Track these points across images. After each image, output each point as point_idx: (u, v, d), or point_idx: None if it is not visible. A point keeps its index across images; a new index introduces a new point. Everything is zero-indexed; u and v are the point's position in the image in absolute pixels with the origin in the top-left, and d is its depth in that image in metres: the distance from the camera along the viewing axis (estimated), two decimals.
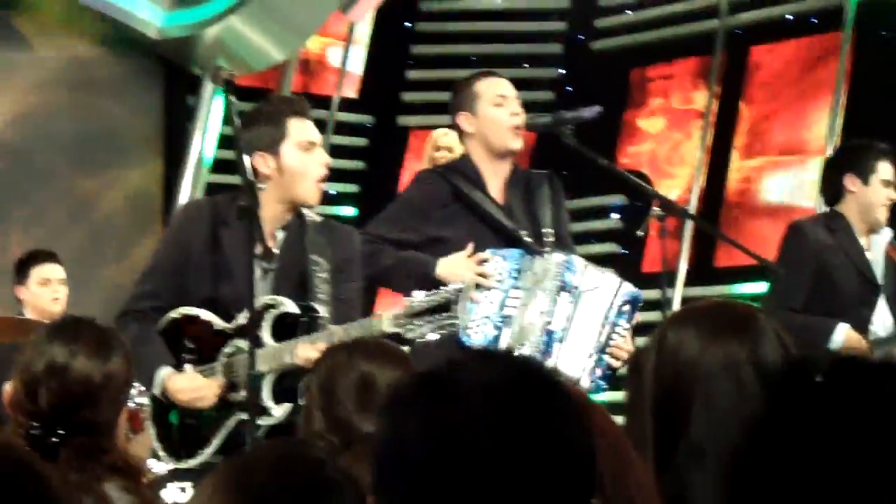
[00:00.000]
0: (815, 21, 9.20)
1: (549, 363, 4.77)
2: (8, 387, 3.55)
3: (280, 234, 4.68)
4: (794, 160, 9.04)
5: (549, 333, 4.86)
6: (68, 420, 3.31)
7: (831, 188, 5.84)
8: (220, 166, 9.48)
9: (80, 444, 3.22)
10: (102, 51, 9.42)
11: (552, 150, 5.30)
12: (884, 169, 5.69)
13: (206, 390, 4.57)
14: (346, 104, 10.48)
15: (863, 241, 5.69)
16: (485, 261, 4.86)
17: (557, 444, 1.69)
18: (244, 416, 4.42)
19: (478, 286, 4.84)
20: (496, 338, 4.84)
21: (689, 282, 8.92)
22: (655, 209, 5.11)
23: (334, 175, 10.00)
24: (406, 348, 4.10)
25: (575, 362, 4.87)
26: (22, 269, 7.09)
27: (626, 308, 4.92)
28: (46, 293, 7.01)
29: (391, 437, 1.72)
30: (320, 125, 10.01)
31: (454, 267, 4.92)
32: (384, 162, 10.39)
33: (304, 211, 4.77)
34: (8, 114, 9.05)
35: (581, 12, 10.26)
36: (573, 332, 4.87)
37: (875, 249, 5.69)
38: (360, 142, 10.54)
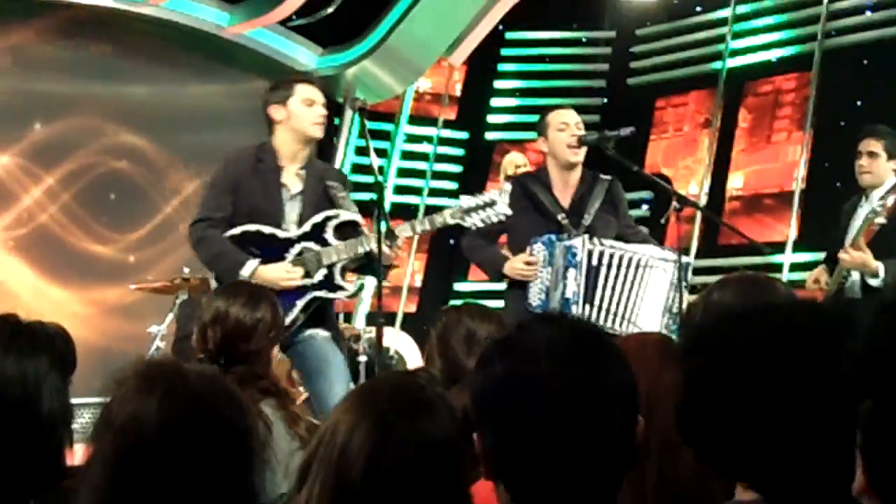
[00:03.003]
0: (789, 62, 9.03)
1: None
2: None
3: (302, 173, 4.82)
4: (775, 169, 8.87)
5: (566, 301, 4.91)
6: (229, 353, 3.35)
7: None
8: (356, 168, 9.60)
9: (239, 372, 3.22)
10: (264, 83, 9.39)
11: (598, 159, 5.31)
12: None
13: (296, 273, 4.74)
14: (448, 123, 10.50)
15: None
16: (531, 262, 5.05)
17: (607, 384, 1.70)
18: (316, 294, 4.65)
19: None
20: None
21: (699, 255, 8.82)
22: (675, 203, 5.07)
23: (440, 176, 10.12)
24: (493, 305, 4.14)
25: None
26: None
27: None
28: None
29: (483, 385, 1.75)
30: (428, 140, 10.11)
31: (514, 268, 5.12)
32: (476, 167, 10.39)
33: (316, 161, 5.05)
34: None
35: (618, 58, 10.19)
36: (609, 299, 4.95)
37: None
38: (459, 152, 10.56)
